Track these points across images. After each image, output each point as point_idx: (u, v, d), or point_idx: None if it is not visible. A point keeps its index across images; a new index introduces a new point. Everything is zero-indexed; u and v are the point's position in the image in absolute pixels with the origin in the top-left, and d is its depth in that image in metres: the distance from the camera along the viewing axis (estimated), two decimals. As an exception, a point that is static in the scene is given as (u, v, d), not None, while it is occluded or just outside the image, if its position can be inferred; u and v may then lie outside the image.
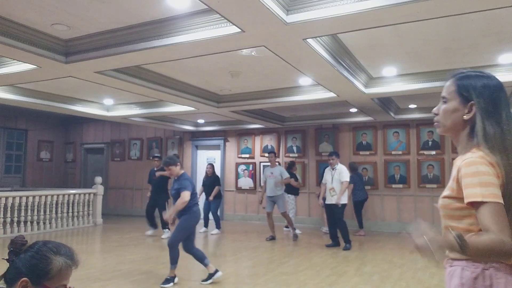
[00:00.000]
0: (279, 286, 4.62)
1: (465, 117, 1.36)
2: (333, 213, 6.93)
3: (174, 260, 4.58)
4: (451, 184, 1.36)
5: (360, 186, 8.51)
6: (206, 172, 8.90)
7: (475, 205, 1.24)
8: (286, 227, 8.82)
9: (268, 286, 4.60)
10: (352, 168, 8.54)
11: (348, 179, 6.96)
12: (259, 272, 5.33)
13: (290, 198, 8.79)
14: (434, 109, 1.46)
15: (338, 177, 6.89)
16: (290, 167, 8.96)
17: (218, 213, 8.95)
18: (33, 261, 1.30)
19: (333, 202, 6.86)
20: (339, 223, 6.90)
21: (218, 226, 8.68)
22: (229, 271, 5.48)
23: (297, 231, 8.57)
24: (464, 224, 1.31)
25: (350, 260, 5.99)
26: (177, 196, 4.57)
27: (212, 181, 8.74)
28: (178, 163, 4.73)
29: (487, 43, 4.63)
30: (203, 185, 8.83)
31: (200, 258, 4.64)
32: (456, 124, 1.38)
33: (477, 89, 1.35)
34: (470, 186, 1.25)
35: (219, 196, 8.79)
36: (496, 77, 1.39)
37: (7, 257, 1.35)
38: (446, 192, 1.37)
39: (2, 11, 3.94)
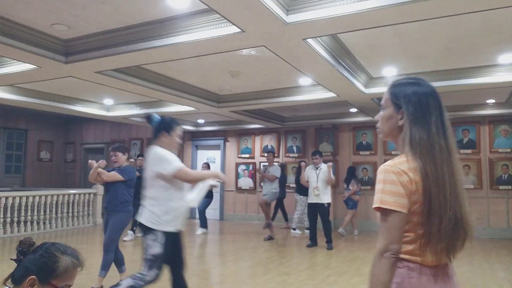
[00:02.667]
0: (279, 286, 4.62)
1: (399, 123, 1.40)
2: (317, 212, 7.09)
3: (107, 266, 4.27)
4: None
5: (283, 184, 8.94)
6: None
7: (378, 210, 1.31)
8: (307, 229, 8.81)
9: (268, 286, 4.60)
10: (282, 168, 9.08)
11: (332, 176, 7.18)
12: (259, 272, 5.34)
13: (301, 199, 8.77)
14: (376, 115, 1.51)
15: (323, 176, 7.01)
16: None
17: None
18: (42, 259, 1.36)
19: (316, 201, 7.02)
20: (326, 221, 7.02)
21: (203, 225, 8.49)
22: (229, 271, 5.49)
23: (298, 231, 8.63)
24: None
25: (350, 260, 5.99)
26: (114, 186, 4.31)
27: None
28: (127, 153, 4.56)
29: (487, 43, 4.63)
30: None
31: (120, 262, 4.49)
32: (392, 130, 1.43)
33: (406, 96, 1.39)
34: (376, 192, 1.32)
35: (209, 195, 8.49)
36: (429, 83, 1.43)
37: (15, 257, 1.39)
38: None
39: (2, 11, 3.94)
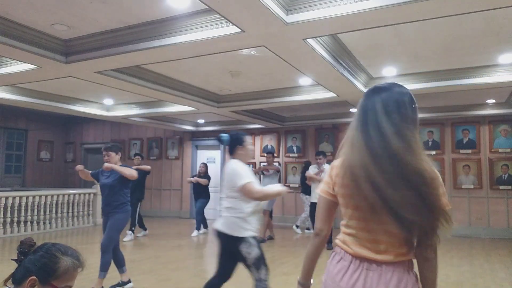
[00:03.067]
0: (279, 286, 4.62)
1: None
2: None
3: (106, 266, 4.23)
4: None
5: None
6: (199, 172, 8.63)
7: None
8: (308, 229, 8.83)
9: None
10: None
11: None
12: (259, 272, 5.33)
13: (307, 199, 8.70)
14: None
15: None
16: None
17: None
18: (43, 260, 1.36)
19: (316, 200, 6.92)
20: None
21: (198, 227, 8.41)
22: (229, 271, 5.49)
23: (299, 230, 8.64)
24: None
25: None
26: (110, 187, 4.28)
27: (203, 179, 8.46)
28: (120, 153, 4.47)
29: (487, 43, 4.63)
30: (194, 185, 8.57)
31: (121, 263, 4.44)
32: None
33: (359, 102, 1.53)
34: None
35: (206, 196, 8.48)
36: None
37: (16, 258, 1.39)
38: None
39: (2, 11, 3.94)
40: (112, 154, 4.36)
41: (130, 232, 7.74)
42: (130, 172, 4.31)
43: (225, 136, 3.21)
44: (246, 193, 2.93)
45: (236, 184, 2.95)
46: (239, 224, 2.95)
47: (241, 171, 2.99)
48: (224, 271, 3.13)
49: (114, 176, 4.31)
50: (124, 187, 4.36)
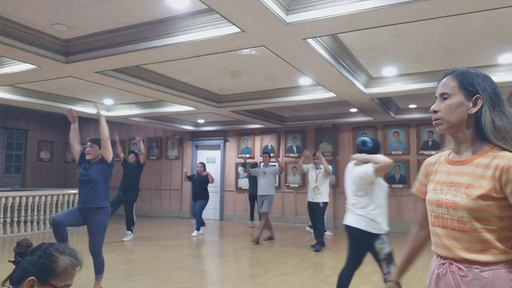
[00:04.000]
0: (279, 286, 4.62)
1: (471, 111, 1.34)
2: (313, 211, 7.06)
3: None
4: (489, 184, 1.28)
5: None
6: (197, 171, 8.48)
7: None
8: (310, 226, 8.69)
9: (268, 286, 4.60)
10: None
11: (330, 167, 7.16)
12: (259, 272, 5.33)
13: None
14: (433, 106, 1.41)
15: (321, 176, 6.99)
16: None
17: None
18: (41, 260, 1.36)
19: (312, 200, 7.01)
20: (320, 222, 7.00)
21: (198, 227, 8.32)
22: (229, 271, 5.50)
23: (329, 232, 8.50)
24: (503, 224, 1.28)
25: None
26: (92, 182, 4.04)
27: (202, 180, 8.34)
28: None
29: (487, 43, 4.63)
30: (193, 184, 8.48)
31: (101, 267, 4.20)
32: (461, 119, 1.35)
33: (480, 83, 1.35)
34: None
35: (205, 197, 8.34)
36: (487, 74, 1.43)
37: (13, 259, 1.39)
38: (478, 192, 1.28)
39: (2, 11, 3.94)
40: (96, 147, 4.15)
41: (130, 232, 7.71)
42: (106, 133, 4.03)
43: (369, 141, 3.39)
44: (380, 169, 3.18)
45: (369, 175, 3.20)
46: (375, 221, 3.22)
47: (369, 167, 3.23)
48: (355, 262, 3.41)
49: (97, 168, 4.10)
50: (106, 181, 4.17)
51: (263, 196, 7.64)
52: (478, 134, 1.35)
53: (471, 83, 1.35)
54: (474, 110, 1.33)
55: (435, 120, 1.41)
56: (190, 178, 8.62)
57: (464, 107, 1.34)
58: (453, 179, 1.36)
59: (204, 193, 8.36)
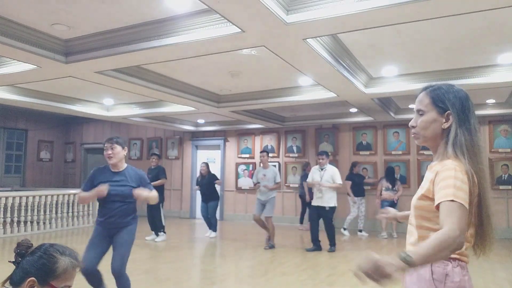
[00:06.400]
0: (279, 286, 4.62)
1: (444, 126, 1.46)
2: (319, 215, 6.77)
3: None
4: (427, 186, 1.43)
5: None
6: (201, 172, 8.32)
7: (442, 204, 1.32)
8: (344, 229, 8.60)
9: (268, 286, 4.60)
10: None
11: (341, 182, 6.78)
12: (259, 272, 5.33)
13: (360, 200, 8.57)
14: (411, 122, 1.54)
15: (327, 177, 6.67)
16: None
17: (217, 213, 8.57)
18: (41, 260, 1.36)
19: (318, 204, 6.70)
20: (329, 225, 6.74)
21: (215, 228, 8.29)
22: (229, 271, 5.49)
23: (347, 233, 8.43)
24: (437, 225, 1.34)
25: (350, 260, 5.99)
26: (125, 196, 3.44)
27: (209, 180, 8.19)
28: (126, 148, 3.57)
29: (487, 43, 4.63)
30: (200, 186, 8.26)
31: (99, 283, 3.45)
32: (435, 134, 1.48)
33: (450, 100, 1.47)
34: (444, 188, 1.33)
35: (216, 198, 8.22)
36: (460, 88, 1.52)
37: (13, 260, 1.39)
38: (421, 192, 1.45)
39: (2, 11, 3.94)
40: (118, 148, 3.46)
41: (162, 232, 7.78)
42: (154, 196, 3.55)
43: None
44: None
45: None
46: None
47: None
48: None
49: (129, 181, 3.47)
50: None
51: (263, 200, 7.01)
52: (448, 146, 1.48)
53: (442, 100, 1.47)
54: (447, 125, 1.46)
55: (413, 134, 1.56)
56: (197, 183, 8.44)
57: (437, 122, 1.47)
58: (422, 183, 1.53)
59: (214, 193, 8.22)
